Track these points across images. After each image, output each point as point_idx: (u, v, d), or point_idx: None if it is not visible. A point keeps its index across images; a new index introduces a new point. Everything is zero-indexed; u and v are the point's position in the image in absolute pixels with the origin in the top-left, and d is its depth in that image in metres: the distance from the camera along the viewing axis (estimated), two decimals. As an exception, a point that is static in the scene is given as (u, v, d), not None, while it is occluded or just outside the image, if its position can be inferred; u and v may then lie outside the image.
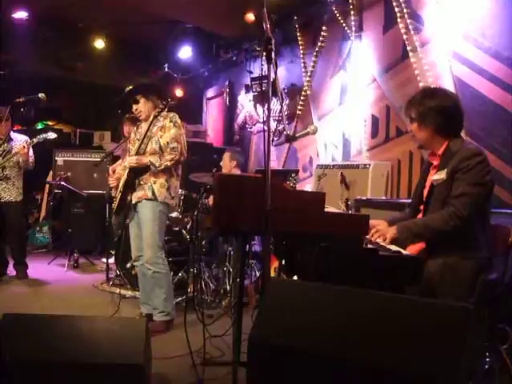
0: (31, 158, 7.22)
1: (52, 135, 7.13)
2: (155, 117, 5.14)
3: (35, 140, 7.01)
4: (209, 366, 4.19)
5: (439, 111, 3.48)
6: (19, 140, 7.17)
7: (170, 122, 5.18)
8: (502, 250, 3.72)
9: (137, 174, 5.15)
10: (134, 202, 5.18)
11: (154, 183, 5.12)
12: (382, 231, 3.52)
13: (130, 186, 5.17)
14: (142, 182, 5.15)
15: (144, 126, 5.29)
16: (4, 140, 7.04)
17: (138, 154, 5.14)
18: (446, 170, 3.42)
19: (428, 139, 3.57)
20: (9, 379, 2.95)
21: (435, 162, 3.62)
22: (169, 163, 5.08)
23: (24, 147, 6.93)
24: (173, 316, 5.29)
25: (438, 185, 3.46)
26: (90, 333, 3.17)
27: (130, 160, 5.12)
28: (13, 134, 7.25)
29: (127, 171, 5.17)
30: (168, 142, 5.10)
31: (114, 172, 5.76)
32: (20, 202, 7.29)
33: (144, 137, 5.13)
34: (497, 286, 3.54)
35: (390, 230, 3.48)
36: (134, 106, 5.29)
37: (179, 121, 5.24)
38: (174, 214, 6.48)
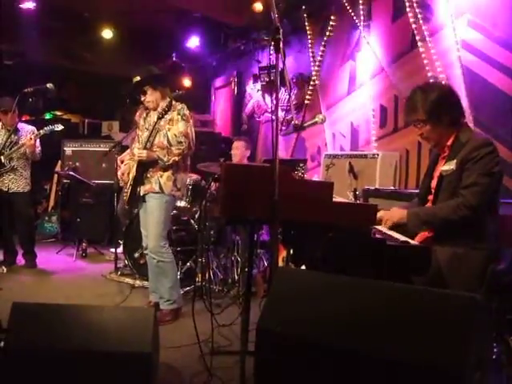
0: (38, 149, 7.24)
1: (59, 127, 7.14)
2: (164, 110, 5.16)
3: (42, 132, 7.03)
4: (217, 355, 4.20)
5: (444, 101, 3.47)
6: (26, 131, 7.19)
7: (178, 114, 5.22)
8: (509, 241, 3.72)
9: (145, 168, 5.21)
10: (142, 193, 5.26)
11: (161, 176, 5.19)
12: (390, 213, 3.54)
13: (139, 179, 5.24)
14: (148, 175, 5.22)
15: (153, 114, 5.33)
16: (11, 131, 7.05)
17: (145, 147, 5.18)
18: (455, 160, 3.41)
19: (442, 135, 3.54)
20: (17, 367, 2.97)
21: (443, 154, 3.61)
22: (177, 158, 5.15)
23: (31, 139, 6.94)
24: (179, 304, 5.34)
25: (448, 175, 3.46)
26: (99, 322, 3.18)
27: (140, 153, 5.15)
28: (20, 125, 7.26)
29: (135, 166, 5.22)
30: (176, 135, 5.15)
31: (122, 162, 5.77)
32: (28, 192, 7.31)
33: (152, 129, 5.18)
34: (505, 276, 3.54)
35: (400, 214, 3.49)
36: (142, 97, 5.33)
37: (187, 113, 5.27)
38: (183, 204, 6.49)
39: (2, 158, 6.98)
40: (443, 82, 3.72)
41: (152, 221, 5.22)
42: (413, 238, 3.42)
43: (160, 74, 5.59)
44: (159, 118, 5.15)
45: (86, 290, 6.30)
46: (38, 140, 7.15)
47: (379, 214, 3.56)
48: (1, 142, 7.03)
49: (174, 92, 6.16)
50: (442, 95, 3.48)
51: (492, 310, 3.41)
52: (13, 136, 7.07)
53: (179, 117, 5.20)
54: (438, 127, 3.50)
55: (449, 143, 3.53)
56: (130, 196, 5.30)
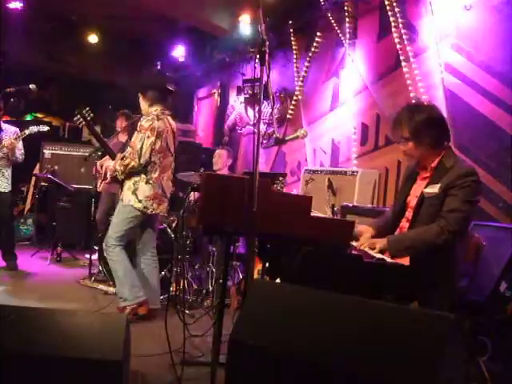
0: (20, 151, 7.19)
1: (44, 128, 7.09)
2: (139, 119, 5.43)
3: (27, 132, 6.97)
4: (188, 365, 4.18)
5: (430, 123, 3.52)
6: (10, 131, 7.13)
7: (139, 126, 5.33)
8: (470, 258, 3.78)
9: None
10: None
11: (124, 185, 5.37)
12: (371, 241, 3.54)
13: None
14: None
15: None
16: None
17: (123, 157, 5.38)
18: (439, 184, 3.45)
19: (424, 155, 3.59)
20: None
21: (425, 174, 3.65)
22: (122, 168, 5.27)
23: (11, 142, 6.88)
24: (131, 301, 5.35)
25: (430, 198, 3.49)
26: (69, 327, 3.14)
27: (106, 163, 5.60)
28: (3, 125, 7.20)
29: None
30: (128, 149, 5.37)
31: (102, 167, 5.79)
32: (8, 192, 7.25)
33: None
34: (467, 291, 3.60)
35: (380, 242, 3.49)
36: None
37: (147, 124, 5.27)
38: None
39: None
40: (431, 105, 3.76)
41: (112, 221, 5.53)
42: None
43: (152, 81, 5.69)
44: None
45: (58, 295, 6.24)
46: (20, 142, 7.11)
47: (359, 229, 3.59)
48: None
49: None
50: (428, 117, 3.53)
51: (464, 331, 3.43)
52: None
53: (138, 128, 5.33)
54: (420, 146, 3.55)
55: (433, 165, 3.58)
56: None
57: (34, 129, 6.99)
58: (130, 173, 5.28)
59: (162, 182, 5.42)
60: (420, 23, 6.30)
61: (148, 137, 5.21)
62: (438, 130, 3.57)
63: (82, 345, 3.03)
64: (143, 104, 5.49)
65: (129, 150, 5.28)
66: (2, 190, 7.15)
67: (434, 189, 3.47)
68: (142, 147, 5.19)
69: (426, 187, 3.55)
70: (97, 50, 10.95)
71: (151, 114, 5.35)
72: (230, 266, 6.13)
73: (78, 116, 5.79)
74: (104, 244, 5.51)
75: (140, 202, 5.29)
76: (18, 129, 7.21)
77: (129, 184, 5.31)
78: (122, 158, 5.35)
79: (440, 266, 3.36)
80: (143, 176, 5.30)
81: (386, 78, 6.81)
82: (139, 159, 5.20)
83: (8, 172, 7.24)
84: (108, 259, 5.47)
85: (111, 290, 6.39)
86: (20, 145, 7.15)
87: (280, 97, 9.01)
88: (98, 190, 7.49)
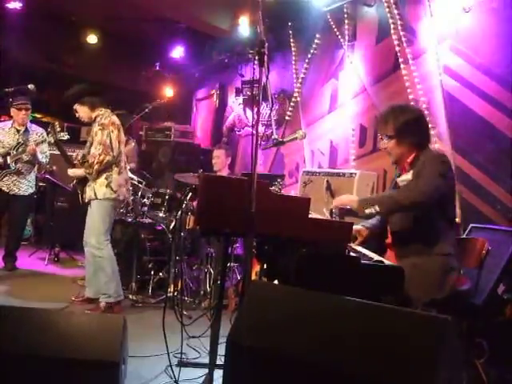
0: (44, 154, 7.21)
1: (65, 136, 7.02)
2: (93, 121, 5.70)
3: (47, 139, 6.98)
4: (185, 366, 4.17)
5: (413, 123, 3.68)
6: (36, 133, 7.16)
7: (98, 125, 5.60)
8: (475, 262, 3.80)
9: (81, 180, 5.75)
10: (86, 200, 5.70)
11: (95, 184, 5.58)
12: (341, 198, 3.89)
13: (82, 188, 5.78)
14: (88, 184, 5.67)
15: (93, 127, 5.75)
16: (20, 132, 7.02)
17: (83, 159, 5.70)
18: (411, 171, 3.62)
19: (404, 153, 3.73)
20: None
21: (404, 172, 3.79)
22: (97, 167, 5.51)
23: (32, 148, 6.88)
24: (116, 299, 5.61)
25: (404, 185, 3.61)
26: (67, 327, 3.14)
27: (71, 173, 5.82)
28: (30, 126, 7.21)
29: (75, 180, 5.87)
30: (96, 147, 5.55)
31: None
32: (28, 195, 7.29)
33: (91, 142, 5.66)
34: (469, 296, 3.62)
35: (350, 197, 3.88)
36: (76, 115, 5.84)
37: (106, 121, 5.62)
38: (161, 214, 6.48)
39: (8, 158, 6.94)
40: (417, 107, 3.90)
41: (92, 222, 5.65)
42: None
43: (81, 89, 5.88)
44: (92, 130, 5.68)
45: (56, 295, 6.23)
46: (45, 144, 7.12)
47: (355, 228, 3.70)
48: (10, 142, 6.99)
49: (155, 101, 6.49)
50: (412, 119, 3.69)
51: (462, 333, 3.44)
52: (21, 137, 7.02)
53: (98, 128, 5.58)
54: (402, 145, 3.70)
55: (409, 160, 3.72)
56: (82, 201, 5.82)
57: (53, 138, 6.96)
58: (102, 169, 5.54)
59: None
60: (419, 25, 6.30)
61: (112, 131, 5.57)
62: (421, 131, 3.75)
63: (80, 346, 3.03)
64: (85, 111, 5.76)
65: (98, 147, 5.49)
66: (22, 193, 7.18)
67: (408, 176, 3.64)
68: (111, 141, 5.54)
69: (400, 177, 3.69)
70: (96, 50, 10.94)
71: (101, 113, 5.68)
72: (228, 267, 6.13)
73: (49, 130, 6.25)
74: (94, 245, 5.62)
75: (115, 192, 5.59)
76: (43, 130, 7.20)
77: (101, 180, 5.57)
78: (82, 163, 5.67)
79: (424, 253, 3.49)
80: (116, 169, 5.63)
81: (384, 80, 6.81)
82: (113, 152, 5.54)
83: (31, 175, 7.30)
84: (99, 257, 5.60)
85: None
86: (45, 147, 7.17)
87: (279, 98, 9.01)
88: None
